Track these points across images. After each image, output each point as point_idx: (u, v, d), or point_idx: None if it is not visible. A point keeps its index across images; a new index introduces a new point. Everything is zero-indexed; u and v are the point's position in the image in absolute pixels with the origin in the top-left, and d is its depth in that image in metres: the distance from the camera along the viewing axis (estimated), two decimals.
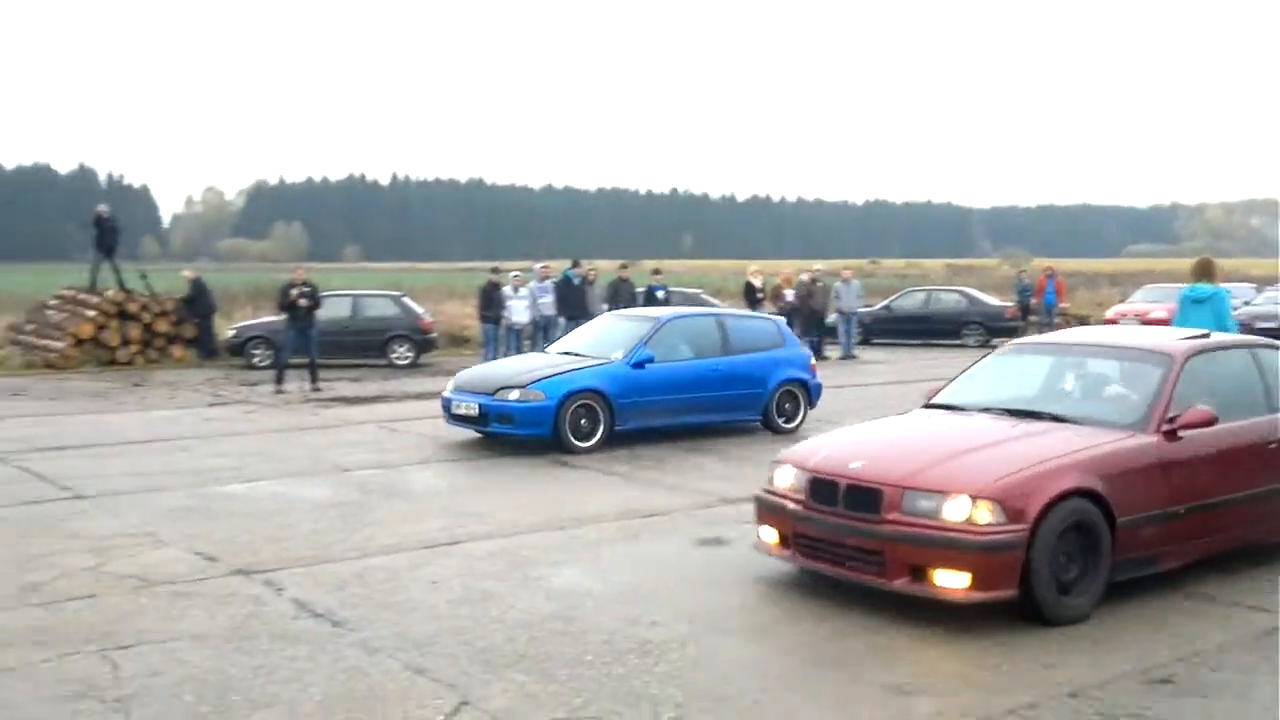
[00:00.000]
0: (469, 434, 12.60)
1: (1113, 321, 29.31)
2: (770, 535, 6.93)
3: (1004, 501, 5.90)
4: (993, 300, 28.88)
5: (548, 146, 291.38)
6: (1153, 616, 6.25)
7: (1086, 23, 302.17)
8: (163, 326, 22.31)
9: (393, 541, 8.05)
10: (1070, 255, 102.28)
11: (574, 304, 20.85)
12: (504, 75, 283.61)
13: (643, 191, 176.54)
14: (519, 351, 18.88)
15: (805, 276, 24.16)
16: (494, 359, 18.54)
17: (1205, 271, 10.39)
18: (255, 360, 21.40)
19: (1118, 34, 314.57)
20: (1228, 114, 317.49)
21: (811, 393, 13.62)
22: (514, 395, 11.75)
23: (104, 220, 22.88)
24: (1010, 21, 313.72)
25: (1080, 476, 6.12)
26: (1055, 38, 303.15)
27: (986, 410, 7.20)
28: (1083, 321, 32.87)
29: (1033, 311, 28.85)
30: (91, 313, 21.78)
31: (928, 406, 7.68)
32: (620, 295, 21.39)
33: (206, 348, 22.67)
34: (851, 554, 6.32)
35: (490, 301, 21.07)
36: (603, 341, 12.97)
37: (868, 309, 27.36)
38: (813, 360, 14.11)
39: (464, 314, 28.30)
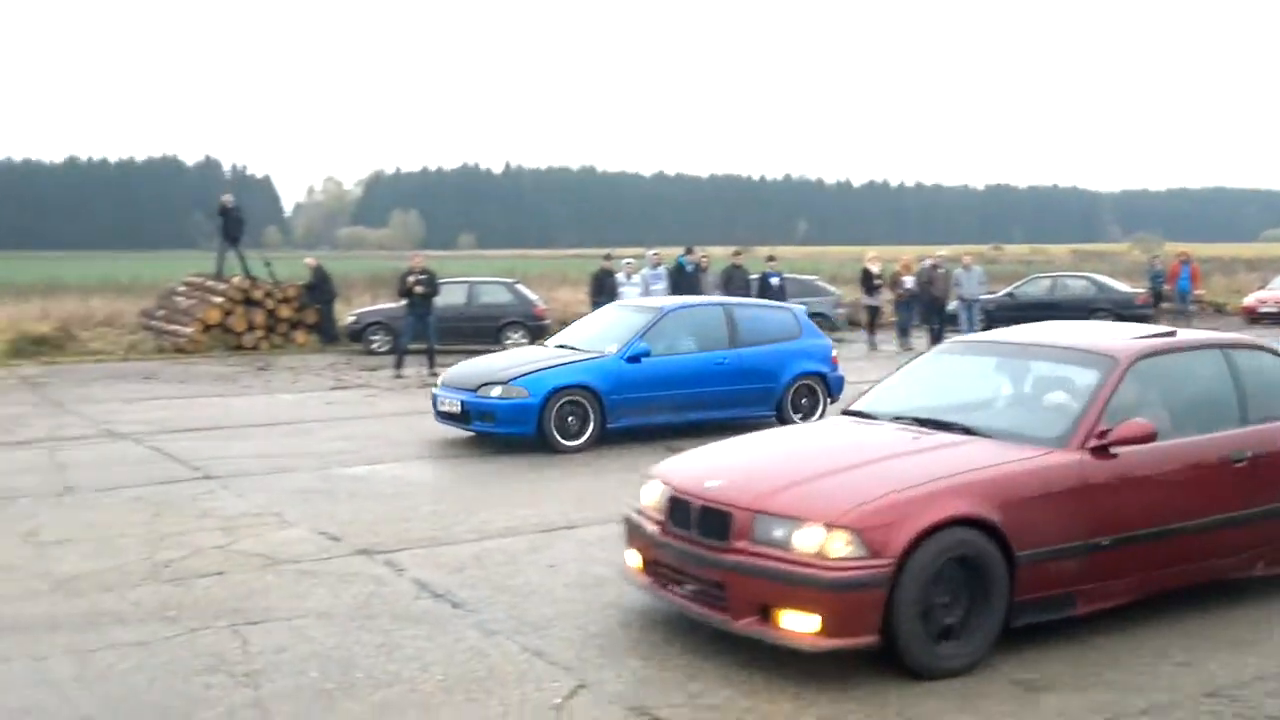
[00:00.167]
0: None
1: (1249, 310, 28.24)
2: (635, 559, 6.03)
3: (863, 531, 4.98)
4: (1123, 286, 27.75)
5: (659, 133, 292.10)
6: None
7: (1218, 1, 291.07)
8: (286, 313, 22.84)
9: (510, 524, 8.12)
10: (1204, 240, 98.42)
11: (687, 291, 20.54)
12: (616, 62, 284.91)
13: (755, 177, 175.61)
14: None
15: (928, 262, 23.55)
16: None
17: None
18: (374, 346, 21.81)
19: (1253, 12, 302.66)
20: None
21: (831, 386, 12.79)
22: (496, 392, 11.12)
23: (229, 210, 23.50)
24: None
25: (967, 502, 5.18)
26: (1183, 16, 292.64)
27: (898, 419, 6.27)
28: (1219, 309, 31.72)
29: (1165, 298, 27.87)
30: (218, 299, 22.42)
31: (845, 413, 6.81)
32: (733, 282, 21.22)
33: (328, 333, 23.16)
34: (699, 586, 5.49)
35: (602, 288, 20.99)
36: (602, 334, 12.29)
37: (990, 296, 26.67)
38: (834, 353, 13.28)
39: (576, 300, 28.39)
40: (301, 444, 11.66)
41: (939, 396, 6.68)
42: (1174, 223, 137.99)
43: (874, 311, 23.11)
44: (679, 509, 5.65)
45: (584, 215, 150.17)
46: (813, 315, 22.79)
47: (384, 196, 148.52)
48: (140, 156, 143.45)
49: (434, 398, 11.97)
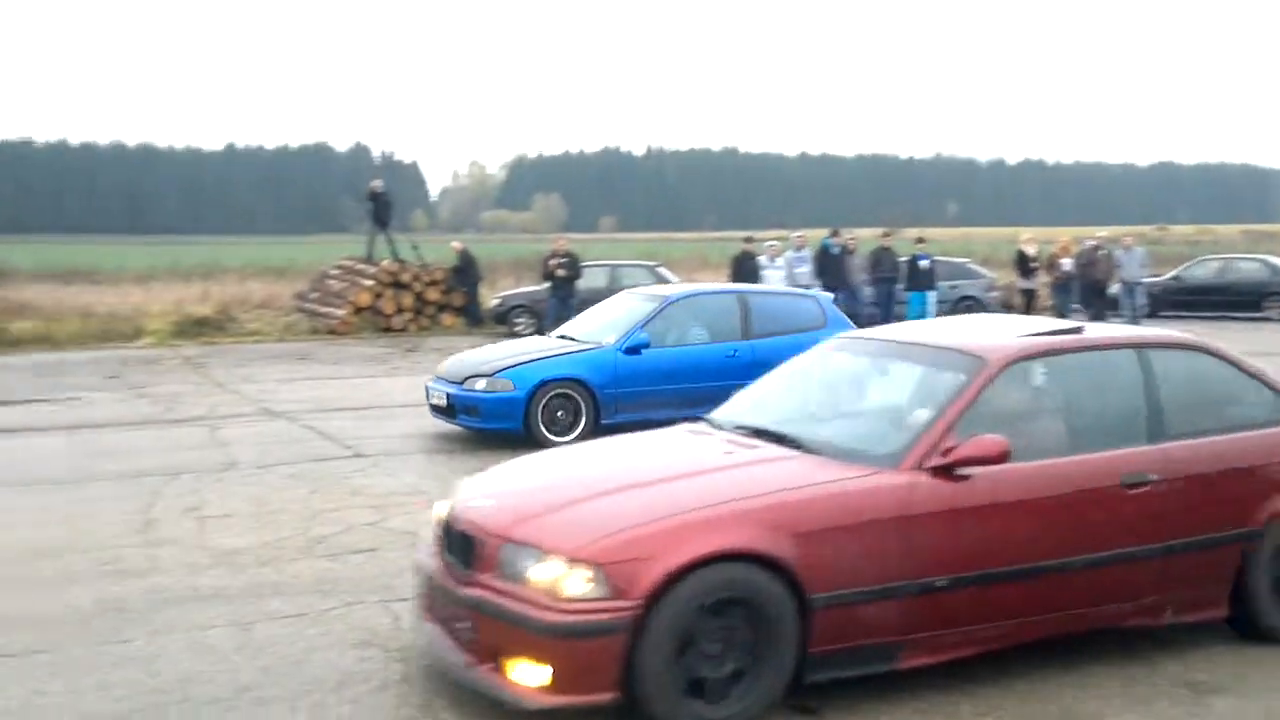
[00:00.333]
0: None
1: None
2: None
3: (605, 566, 4.18)
4: None
5: (802, 113, 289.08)
6: None
7: None
8: (433, 295, 23.24)
9: None
10: None
11: (833, 274, 20.12)
12: (760, 42, 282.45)
13: (904, 157, 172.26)
14: None
15: (1090, 243, 22.47)
16: None
17: None
18: (518, 328, 21.96)
19: None
20: None
21: None
22: (480, 385, 10.63)
23: (378, 195, 24.02)
24: None
25: (746, 533, 4.30)
26: None
27: (739, 428, 5.42)
28: None
29: None
30: (369, 282, 22.97)
31: (695, 419, 5.96)
32: (882, 264, 20.75)
33: (473, 316, 23.52)
34: (455, 623, 4.66)
35: (743, 271, 20.10)
36: (605, 323, 11.71)
37: (1154, 279, 25.52)
38: None
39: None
40: (448, 424, 11.84)
41: (797, 402, 5.83)
42: None
43: (1030, 295, 22.27)
44: (447, 532, 4.92)
45: (726, 197, 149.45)
46: (963, 299, 22.52)
47: (526, 180, 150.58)
48: (294, 144, 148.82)
49: (426, 390, 11.54)
